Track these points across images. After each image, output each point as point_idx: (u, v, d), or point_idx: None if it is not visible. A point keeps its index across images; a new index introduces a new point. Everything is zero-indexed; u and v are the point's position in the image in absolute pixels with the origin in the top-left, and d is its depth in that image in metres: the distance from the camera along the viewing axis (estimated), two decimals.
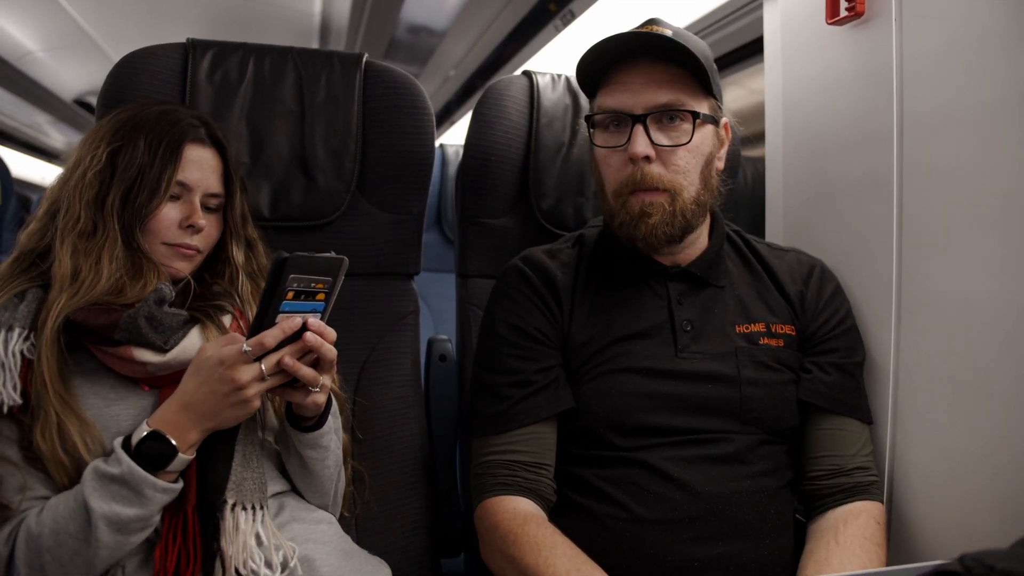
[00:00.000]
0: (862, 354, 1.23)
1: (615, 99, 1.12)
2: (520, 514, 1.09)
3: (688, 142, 1.11)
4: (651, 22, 1.15)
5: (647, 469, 1.10)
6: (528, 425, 1.15)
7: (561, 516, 1.13)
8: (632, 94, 1.10)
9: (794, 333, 1.20)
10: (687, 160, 1.12)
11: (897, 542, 1.17)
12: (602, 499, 1.11)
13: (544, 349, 1.19)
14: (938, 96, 1.08)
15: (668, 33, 1.09)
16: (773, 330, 1.18)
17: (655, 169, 1.10)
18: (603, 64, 1.14)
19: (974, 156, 1.02)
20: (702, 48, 1.14)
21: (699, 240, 1.21)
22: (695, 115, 1.11)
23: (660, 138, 1.11)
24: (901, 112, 1.14)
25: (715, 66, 1.15)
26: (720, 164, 1.19)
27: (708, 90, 1.14)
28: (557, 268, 1.24)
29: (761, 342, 1.17)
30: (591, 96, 1.21)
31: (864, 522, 1.09)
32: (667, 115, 1.10)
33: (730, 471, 1.10)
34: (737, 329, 1.17)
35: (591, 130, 1.18)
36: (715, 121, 1.15)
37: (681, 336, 1.16)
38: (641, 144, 1.09)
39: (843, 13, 1.22)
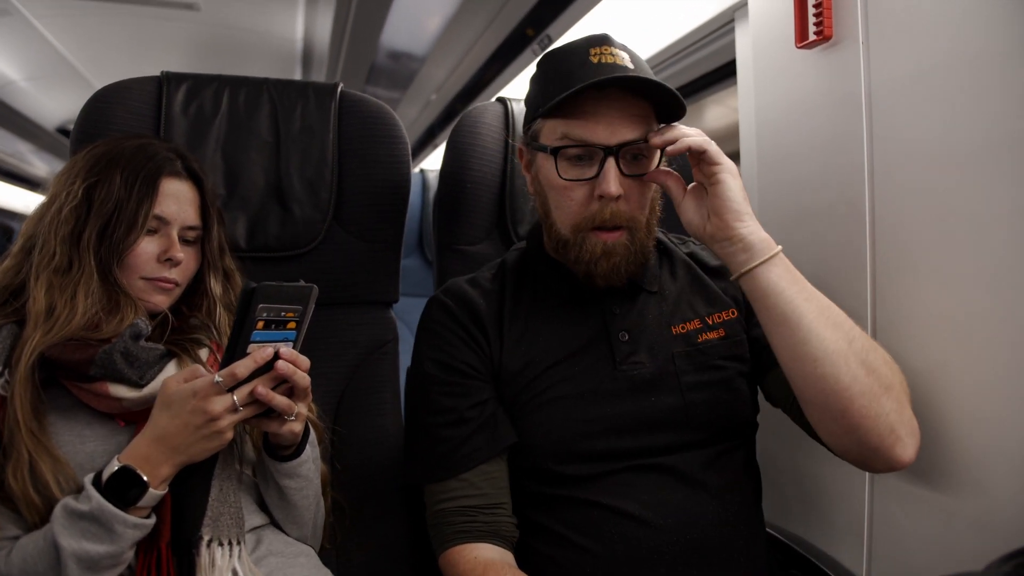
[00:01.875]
0: None
1: (588, 131, 1.06)
2: (482, 563, 1.07)
3: (645, 174, 1.10)
4: (605, 41, 1.10)
5: (606, 509, 1.07)
6: (473, 468, 1.11)
7: (527, 566, 1.10)
8: (606, 127, 1.06)
9: (735, 314, 1.18)
10: (647, 195, 1.11)
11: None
12: (566, 545, 1.09)
13: (475, 383, 1.15)
14: (906, 118, 1.09)
15: (628, 63, 1.08)
16: (710, 322, 1.17)
17: (620, 206, 1.08)
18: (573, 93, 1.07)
19: (943, 175, 1.03)
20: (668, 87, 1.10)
21: None
22: (661, 151, 1.09)
23: (627, 172, 1.08)
24: (871, 133, 1.15)
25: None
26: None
27: (660, 120, 1.12)
28: (480, 296, 1.20)
29: (700, 340, 1.16)
30: (537, 116, 1.12)
31: None
32: (633, 151, 1.08)
33: (691, 496, 1.08)
34: (674, 331, 1.16)
35: (546, 156, 1.11)
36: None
37: (618, 348, 1.14)
38: (614, 182, 1.05)
39: (811, 37, 1.23)
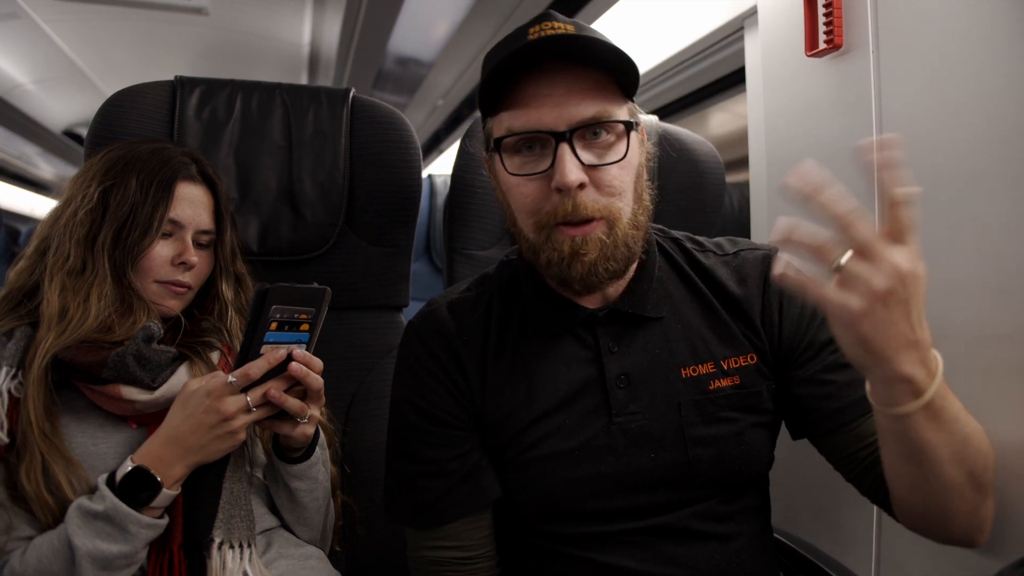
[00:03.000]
0: None
1: (529, 117, 0.91)
2: None
3: (622, 158, 0.93)
4: (546, 18, 0.95)
5: (601, 566, 0.98)
6: (454, 521, 1.02)
7: None
8: (551, 108, 0.90)
9: (755, 360, 1.01)
10: (621, 179, 0.93)
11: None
12: None
13: (456, 433, 1.02)
14: (916, 127, 1.10)
15: (572, 31, 0.91)
16: (725, 367, 1.00)
17: (587, 196, 0.91)
18: (503, 76, 0.92)
19: (953, 184, 1.03)
20: (616, 50, 0.93)
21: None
22: (628, 125, 0.93)
23: (588, 157, 0.91)
24: None
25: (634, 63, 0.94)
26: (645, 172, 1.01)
27: (626, 92, 0.95)
28: (460, 331, 1.05)
29: (711, 387, 0.99)
30: (487, 113, 0.99)
31: None
32: (591, 130, 0.91)
33: (693, 548, 0.98)
34: (683, 373, 0.99)
35: (496, 155, 0.96)
36: (636, 126, 0.96)
37: (615, 395, 0.98)
38: (572, 170, 0.89)
39: (822, 45, 1.24)
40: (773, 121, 1.42)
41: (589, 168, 0.91)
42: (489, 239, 1.52)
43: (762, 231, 1.51)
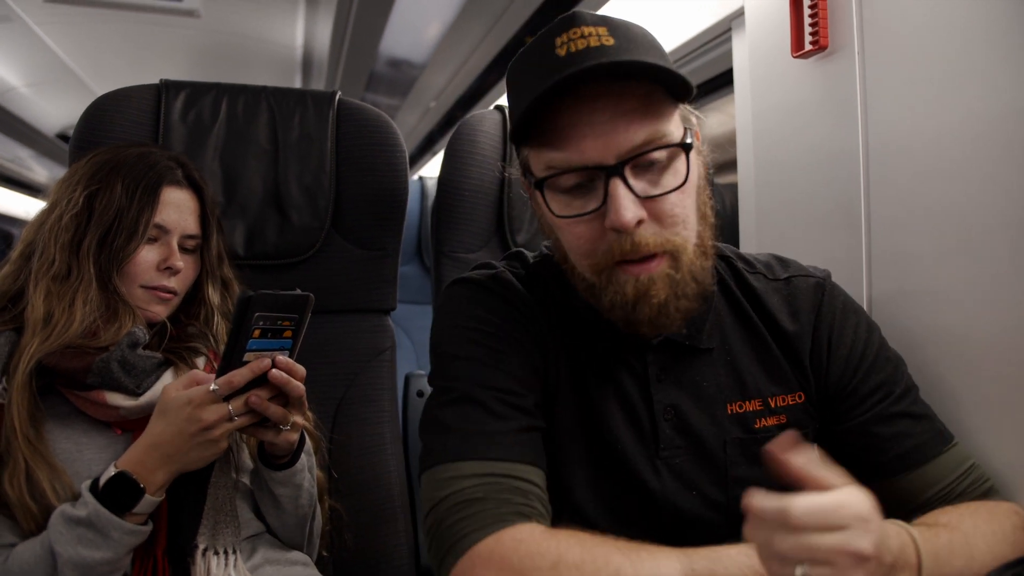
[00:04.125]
0: (904, 369, 0.98)
1: (571, 152, 0.80)
2: (565, 533, 0.77)
3: (683, 183, 0.82)
4: (572, 23, 0.82)
5: None
6: (532, 464, 0.85)
7: None
8: (595, 139, 0.79)
9: (802, 399, 0.95)
10: (683, 205, 0.83)
11: None
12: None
13: (532, 383, 0.91)
14: (901, 126, 1.10)
15: (607, 38, 0.80)
16: (772, 405, 0.94)
17: (647, 231, 0.81)
18: (536, 108, 0.80)
19: (938, 182, 1.03)
20: (657, 45, 0.84)
21: None
22: (685, 147, 0.82)
23: (643, 187, 0.81)
24: (867, 141, 1.16)
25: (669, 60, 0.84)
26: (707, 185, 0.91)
27: (676, 96, 0.84)
28: (534, 303, 0.95)
29: (757, 425, 0.93)
30: (520, 144, 0.88)
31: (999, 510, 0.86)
32: (645, 157, 0.81)
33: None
34: (729, 409, 0.93)
35: (538, 193, 0.86)
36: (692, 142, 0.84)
37: (662, 428, 0.91)
38: (628, 207, 0.78)
39: (808, 46, 1.24)
40: (761, 121, 1.42)
41: (646, 200, 0.81)
42: (477, 242, 1.52)
43: (751, 232, 1.50)
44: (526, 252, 1.06)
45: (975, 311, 0.99)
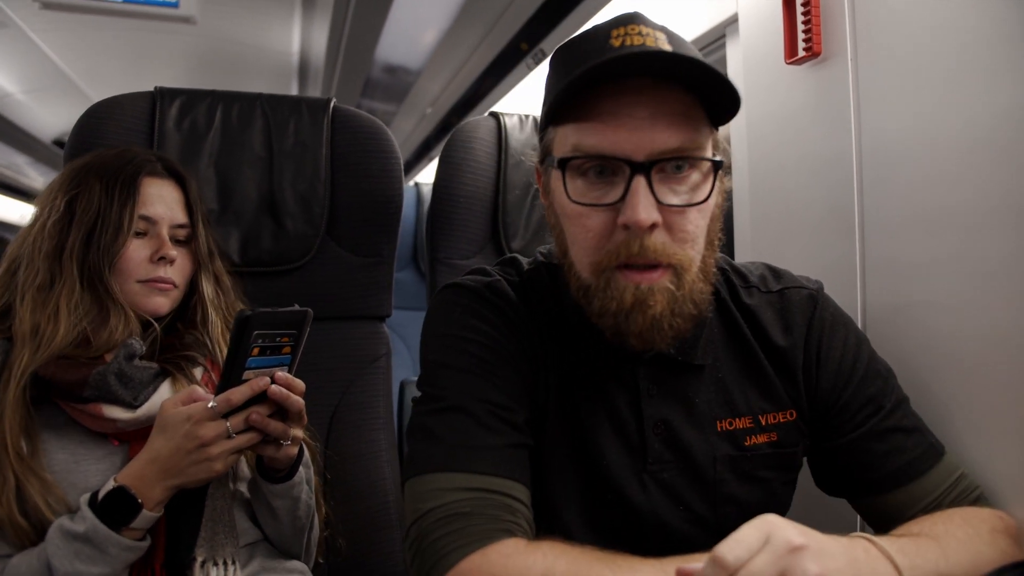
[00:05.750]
0: (894, 381, 0.97)
1: (604, 138, 0.79)
2: (549, 545, 0.76)
3: (704, 201, 0.81)
4: (632, 20, 0.82)
5: None
6: (518, 481, 0.83)
7: None
8: (630, 132, 0.78)
9: (794, 417, 0.94)
10: (697, 224, 0.82)
11: None
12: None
13: (522, 399, 0.89)
14: (894, 132, 1.10)
15: (664, 43, 0.80)
16: (763, 422, 0.93)
17: (657, 239, 0.79)
18: (580, 85, 0.78)
19: (931, 188, 1.03)
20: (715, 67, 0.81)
21: None
22: (716, 164, 0.82)
23: (666, 195, 0.80)
24: (860, 147, 1.16)
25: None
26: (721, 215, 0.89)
27: (713, 121, 0.84)
28: (526, 316, 0.93)
29: (747, 443, 0.92)
30: (550, 123, 0.87)
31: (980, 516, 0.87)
32: (674, 164, 0.80)
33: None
34: (719, 427, 0.92)
35: (558, 174, 0.84)
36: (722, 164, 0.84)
37: (651, 443, 0.90)
38: (646, 207, 0.77)
39: (801, 53, 1.24)
40: (755, 127, 1.42)
41: (664, 207, 0.79)
42: (472, 248, 1.52)
43: (744, 238, 1.51)
44: (520, 258, 1.04)
45: (969, 318, 0.99)
